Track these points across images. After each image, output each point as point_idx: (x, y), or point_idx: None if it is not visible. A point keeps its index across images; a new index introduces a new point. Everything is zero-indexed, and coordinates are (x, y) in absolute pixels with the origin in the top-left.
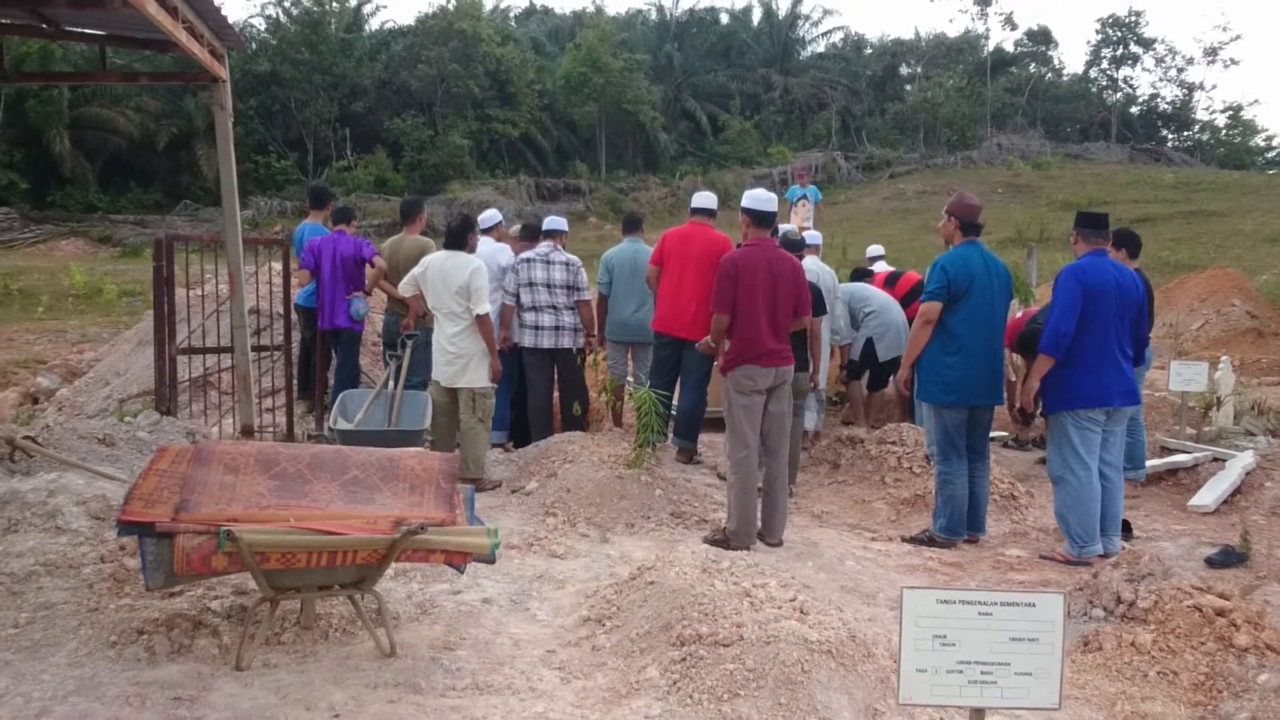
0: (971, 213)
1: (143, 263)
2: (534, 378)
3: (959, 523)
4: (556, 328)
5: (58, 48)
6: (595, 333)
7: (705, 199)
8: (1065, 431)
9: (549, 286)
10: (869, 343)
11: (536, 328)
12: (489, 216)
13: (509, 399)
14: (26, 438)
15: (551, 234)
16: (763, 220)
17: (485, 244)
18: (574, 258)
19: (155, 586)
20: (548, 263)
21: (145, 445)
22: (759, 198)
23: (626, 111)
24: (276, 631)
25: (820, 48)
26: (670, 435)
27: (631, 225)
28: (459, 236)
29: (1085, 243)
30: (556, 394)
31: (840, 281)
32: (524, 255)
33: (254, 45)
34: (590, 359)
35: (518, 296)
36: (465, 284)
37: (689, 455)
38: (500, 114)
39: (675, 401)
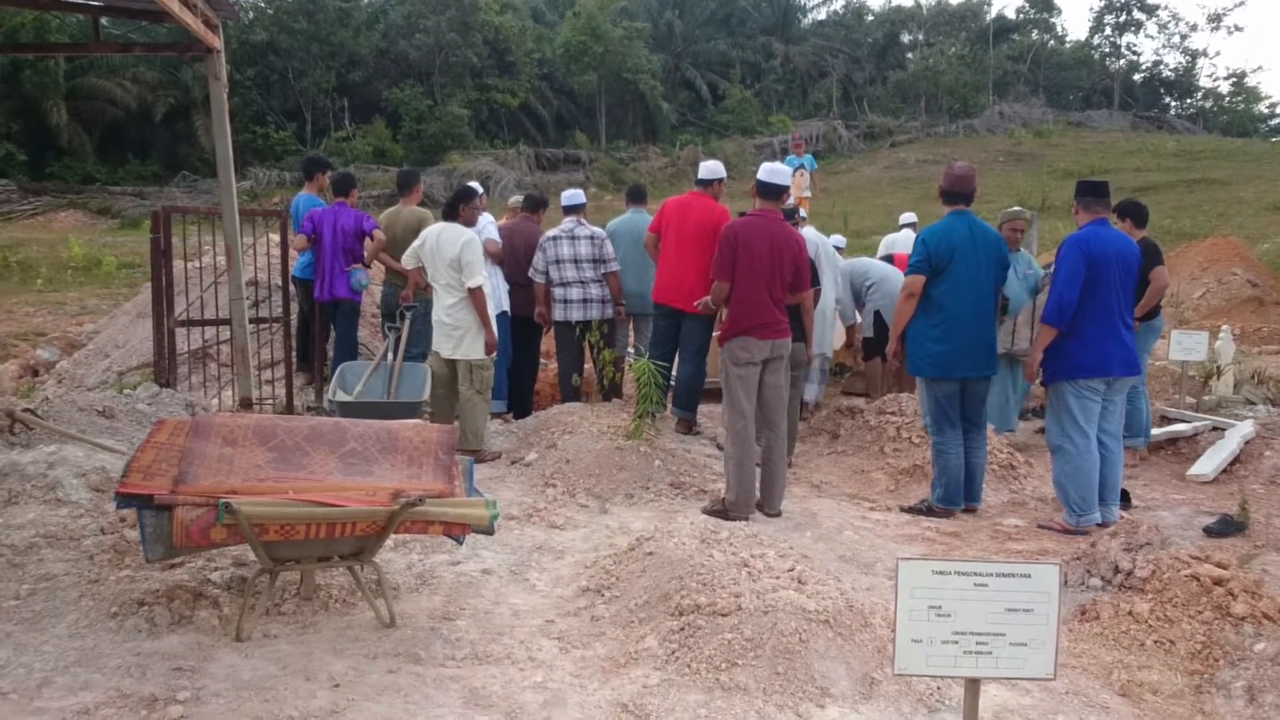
0: (954, 182)
1: (141, 234)
2: (562, 351)
3: (955, 493)
4: (585, 300)
5: (53, 18)
6: (621, 303)
7: (706, 169)
8: (1065, 401)
9: (576, 262)
10: (878, 315)
11: (565, 301)
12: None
13: (505, 369)
14: (26, 410)
15: (573, 209)
16: (768, 192)
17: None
18: (599, 230)
19: (155, 558)
20: (573, 238)
21: (145, 417)
22: (768, 170)
23: (626, 80)
24: (276, 602)
25: (821, 15)
26: (669, 406)
27: (636, 196)
28: (452, 208)
29: (1086, 212)
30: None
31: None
32: (550, 233)
33: (250, 15)
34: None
35: (547, 274)
36: (456, 256)
37: (688, 426)
38: (499, 83)
39: (675, 372)
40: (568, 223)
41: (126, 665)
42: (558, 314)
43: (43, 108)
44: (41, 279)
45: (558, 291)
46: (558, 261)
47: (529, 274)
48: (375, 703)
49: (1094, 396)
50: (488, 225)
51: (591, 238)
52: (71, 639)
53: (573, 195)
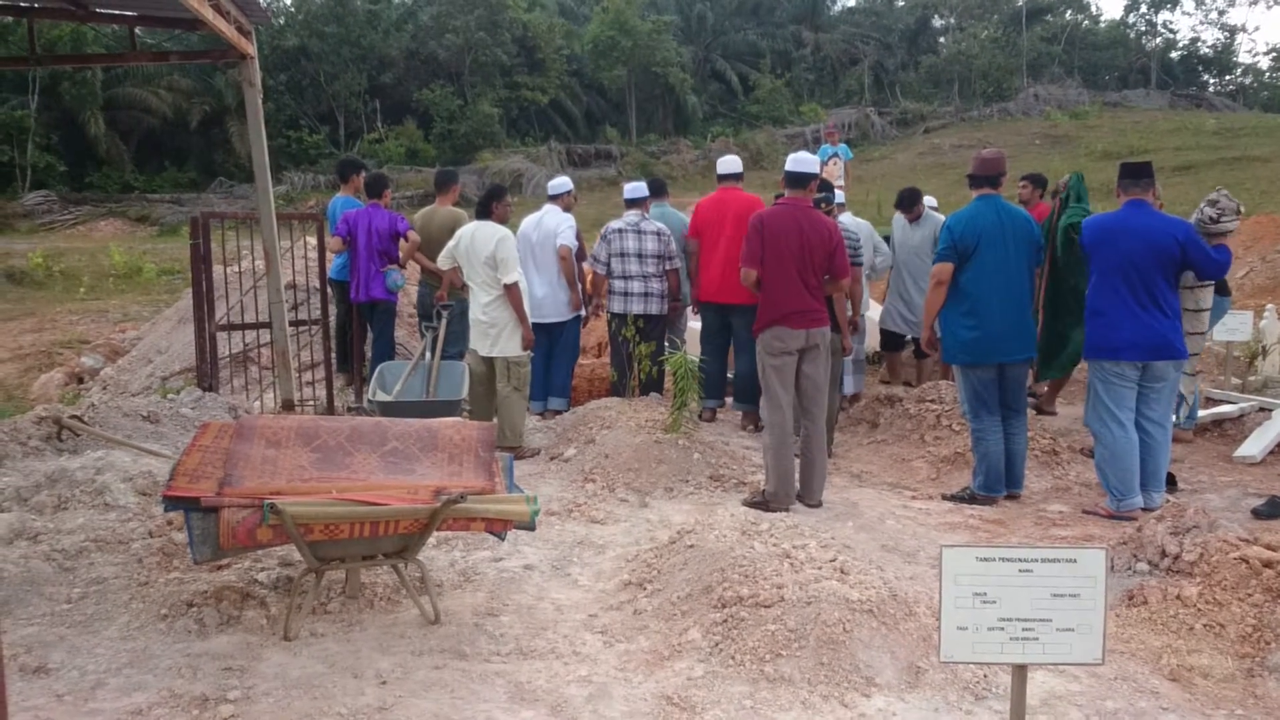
0: (980, 166)
1: (180, 241)
2: (617, 343)
3: (996, 479)
4: (645, 294)
5: (89, 29)
6: (679, 299)
7: (730, 164)
8: (1094, 386)
9: (640, 256)
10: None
11: (626, 294)
12: (559, 184)
13: (570, 367)
14: (73, 417)
15: (637, 202)
16: (795, 181)
17: (552, 213)
18: (664, 226)
19: (202, 560)
20: (639, 233)
21: (188, 421)
22: (795, 159)
23: (656, 74)
24: (323, 601)
25: (851, 2)
26: (703, 401)
27: (658, 190)
28: (484, 206)
29: (1125, 194)
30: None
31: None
32: (614, 225)
33: (281, 20)
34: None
35: (609, 265)
36: (492, 254)
37: (755, 420)
38: (529, 81)
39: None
40: (632, 215)
41: (177, 666)
42: (616, 306)
43: (81, 118)
44: (84, 287)
45: (618, 284)
46: (622, 254)
47: (587, 263)
48: (422, 698)
49: (1121, 382)
50: (566, 227)
51: (658, 234)
52: (123, 641)
53: (636, 188)
